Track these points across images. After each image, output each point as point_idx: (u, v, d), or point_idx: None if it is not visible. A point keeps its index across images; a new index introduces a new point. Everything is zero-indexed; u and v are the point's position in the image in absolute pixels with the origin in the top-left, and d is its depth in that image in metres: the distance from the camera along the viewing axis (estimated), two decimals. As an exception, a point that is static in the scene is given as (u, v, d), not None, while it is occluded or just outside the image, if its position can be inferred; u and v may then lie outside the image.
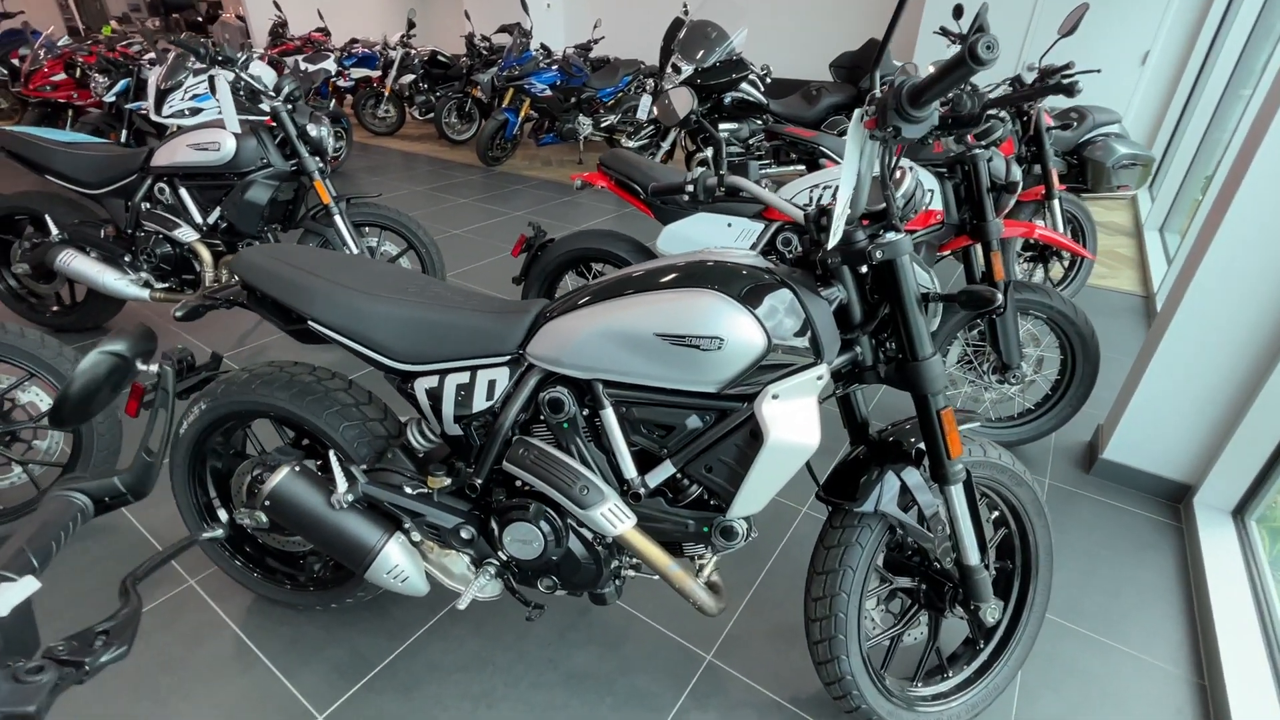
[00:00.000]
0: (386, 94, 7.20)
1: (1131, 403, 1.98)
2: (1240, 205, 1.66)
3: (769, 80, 4.78)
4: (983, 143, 1.87)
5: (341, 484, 1.21)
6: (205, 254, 2.56)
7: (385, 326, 1.18)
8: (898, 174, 1.06)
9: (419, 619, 1.57)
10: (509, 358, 1.17)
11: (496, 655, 1.50)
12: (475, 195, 5.24)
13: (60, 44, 5.56)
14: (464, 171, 6.01)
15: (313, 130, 2.52)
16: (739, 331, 1.00)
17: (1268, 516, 1.82)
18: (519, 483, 1.24)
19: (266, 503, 1.22)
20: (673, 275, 1.06)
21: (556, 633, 1.55)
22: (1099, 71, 2.60)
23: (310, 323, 1.21)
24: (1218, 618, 1.54)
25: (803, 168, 4.22)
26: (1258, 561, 1.69)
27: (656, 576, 1.26)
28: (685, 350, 1.02)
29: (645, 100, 5.13)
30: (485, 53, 6.94)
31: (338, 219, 2.55)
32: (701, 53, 4.39)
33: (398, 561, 1.26)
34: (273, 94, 2.42)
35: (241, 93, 2.45)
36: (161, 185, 2.53)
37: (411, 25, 7.14)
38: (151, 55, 5.08)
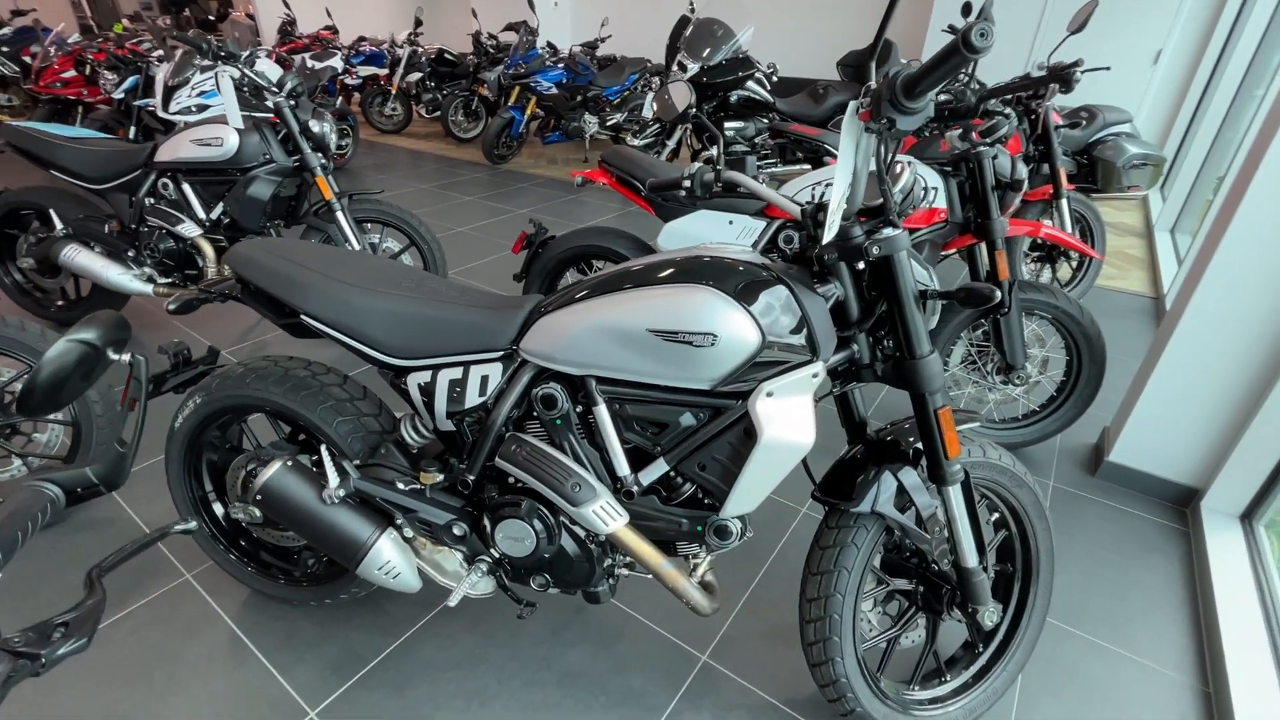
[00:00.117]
0: (393, 92, 7.22)
1: (1138, 405, 1.95)
2: (1250, 205, 1.63)
3: (775, 79, 4.75)
4: (988, 140, 1.85)
5: (333, 479, 1.21)
6: (208, 249, 2.56)
7: (378, 321, 1.17)
8: (896, 168, 1.05)
9: (413, 616, 1.57)
10: (502, 353, 1.16)
11: (490, 653, 1.49)
12: (480, 193, 5.25)
13: (70, 41, 5.60)
14: (469, 169, 6.01)
15: (315, 126, 2.52)
16: (732, 328, 0.98)
17: (1276, 521, 1.79)
18: (511, 479, 1.23)
19: (258, 497, 1.21)
20: (667, 270, 1.05)
21: (551, 631, 1.54)
22: (1108, 69, 2.56)
23: (303, 317, 1.21)
24: (1224, 624, 1.51)
25: (808, 166, 4.20)
26: (1265, 567, 1.66)
27: (651, 576, 1.25)
28: (678, 346, 1.00)
29: (651, 98, 5.12)
30: (492, 51, 6.94)
31: (339, 215, 2.55)
32: (707, 50, 4.38)
33: (389, 558, 1.25)
34: (275, 89, 2.43)
35: (246, 89, 2.45)
36: (165, 180, 2.54)
37: (419, 23, 7.15)
38: (160, 52, 5.11)
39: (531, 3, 6.26)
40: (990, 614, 1.22)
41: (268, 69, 2.92)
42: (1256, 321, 1.70)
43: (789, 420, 1.02)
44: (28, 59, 6.31)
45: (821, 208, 1.04)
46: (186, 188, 2.54)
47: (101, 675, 1.41)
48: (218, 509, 1.54)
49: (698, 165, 1.12)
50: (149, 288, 2.60)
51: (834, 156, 2.91)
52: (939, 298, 1.04)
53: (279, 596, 1.55)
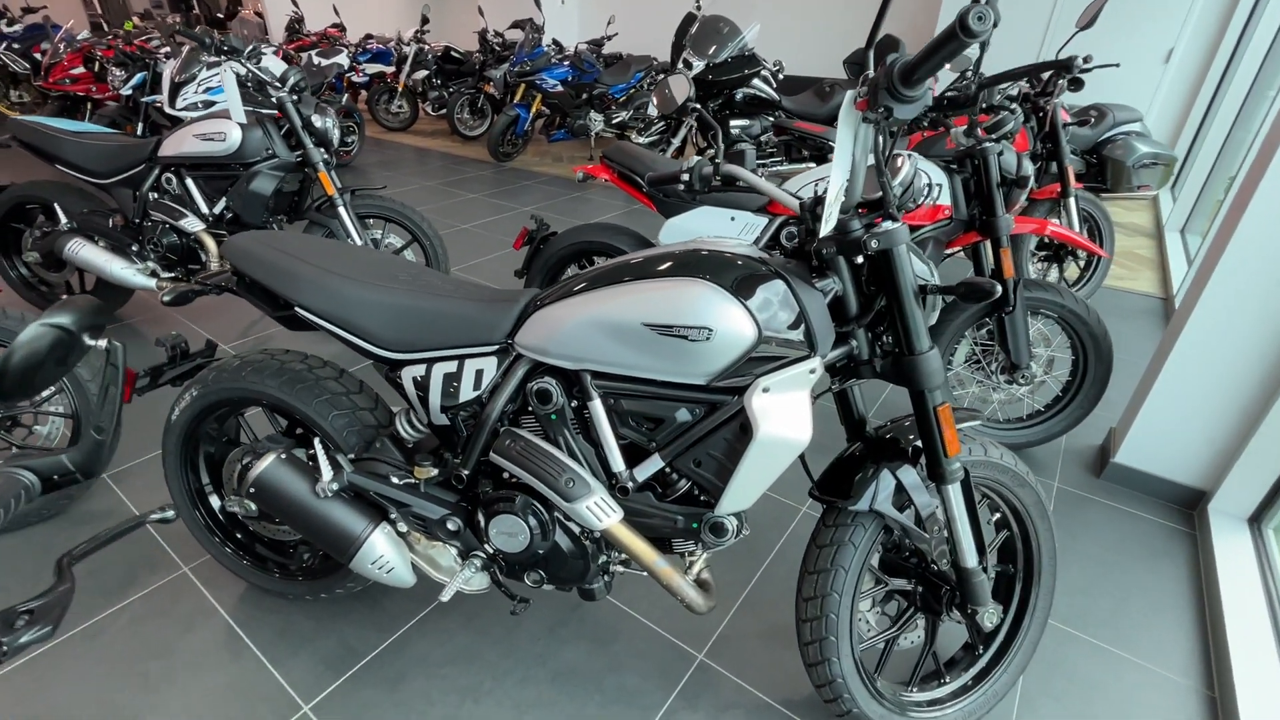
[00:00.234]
0: (400, 90, 7.23)
1: (1145, 405, 1.92)
2: (1259, 204, 1.60)
3: (781, 77, 4.73)
4: (993, 136, 1.82)
5: (326, 472, 1.20)
6: (211, 244, 2.57)
7: (372, 313, 1.17)
8: (896, 161, 1.03)
9: (409, 611, 1.56)
10: (497, 347, 1.15)
11: (485, 650, 1.48)
12: (485, 190, 5.25)
13: (80, 38, 5.64)
14: (475, 167, 6.01)
15: (318, 121, 2.52)
16: (728, 322, 0.97)
17: (1286, 525, 1.76)
18: (506, 474, 1.22)
19: (251, 490, 1.21)
20: (664, 264, 1.04)
21: (547, 628, 1.53)
22: (1118, 65, 2.53)
23: (296, 309, 1.20)
24: (1230, 628, 1.49)
25: (813, 165, 4.17)
26: (1273, 571, 1.63)
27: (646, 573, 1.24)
28: (673, 340, 0.99)
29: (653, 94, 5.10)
30: (498, 49, 6.94)
31: (342, 210, 2.55)
32: (713, 48, 4.36)
33: (383, 552, 1.24)
34: (278, 84, 2.43)
35: (249, 84, 2.45)
36: (169, 175, 2.54)
37: (425, 21, 7.16)
38: (167, 49, 5.13)
39: (538, 0, 6.25)
40: (990, 615, 1.20)
41: (273, 65, 2.93)
42: (1265, 321, 1.67)
43: (785, 416, 1.01)
44: (38, 56, 6.35)
45: (820, 201, 1.03)
46: (190, 182, 2.55)
47: (97, 667, 1.41)
48: (214, 502, 1.54)
49: (696, 158, 1.10)
50: (152, 282, 2.61)
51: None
52: (939, 292, 1.03)
53: (275, 590, 1.54)
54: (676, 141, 4.97)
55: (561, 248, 2.33)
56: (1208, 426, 1.85)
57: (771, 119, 4.42)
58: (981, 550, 1.16)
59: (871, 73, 0.83)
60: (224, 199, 2.57)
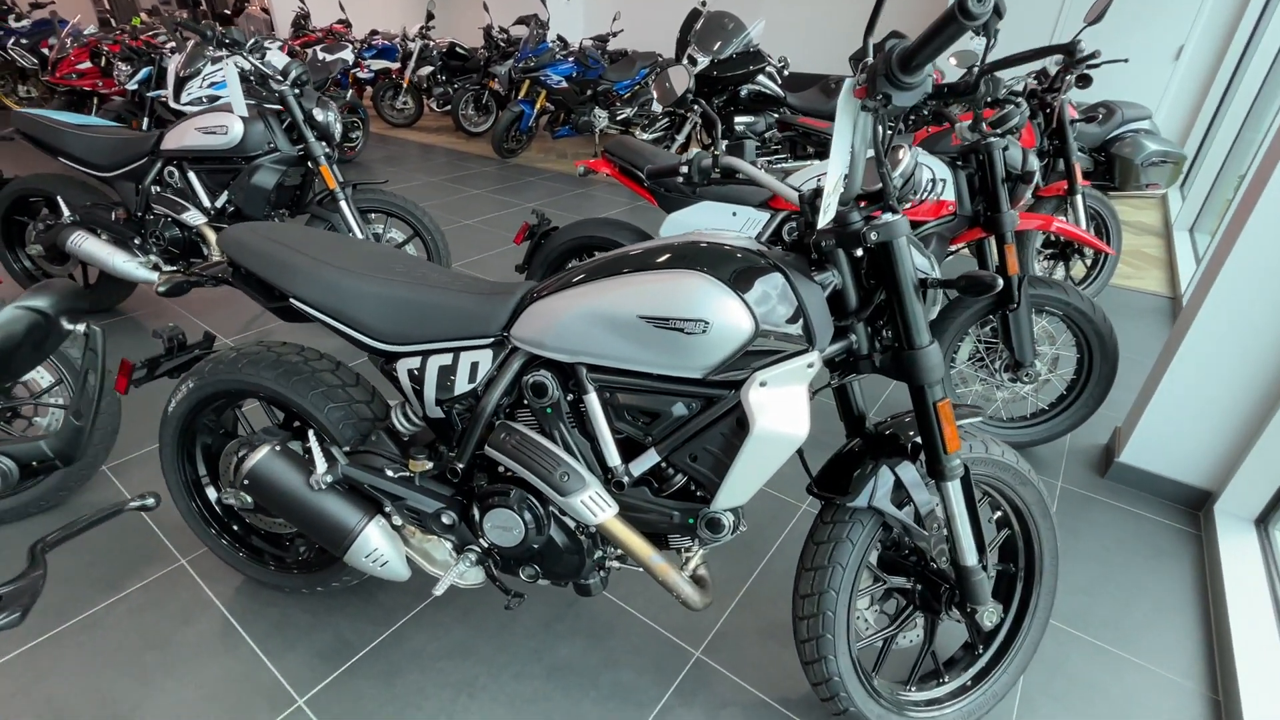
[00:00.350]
0: (405, 86, 7.23)
1: (1151, 404, 1.90)
2: (1268, 203, 1.58)
3: (786, 73, 4.70)
4: (998, 131, 1.80)
5: (321, 465, 1.19)
6: (212, 237, 2.57)
7: (367, 305, 1.16)
8: (897, 153, 1.01)
9: (405, 605, 1.56)
10: (493, 340, 1.14)
11: (481, 644, 1.47)
12: (489, 186, 5.24)
13: (86, 33, 5.66)
14: (479, 163, 6.01)
15: (319, 115, 2.52)
16: (725, 315, 0.95)
17: (1293, 526, 1.73)
18: (501, 468, 1.21)
19: (246, 481, 1.20)
20: (661, 257, 1.02)
21: (542, 624, 1.52)
22: (1126, 60, 2.50)
23: (291, 300, 1.19)
24: (1235, 630, 1.46)
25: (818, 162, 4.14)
26: (1280, 573, 1.61)
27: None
28: (669, 333, 0.98)
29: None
30: (503, 45, 6.93)
31: (343, 204, 2.55)
32: (718, 44, 4.33)
33: (377, 545, 1.23)
34: (280, 78, 2.42)
35: (253, 78, 2.45)
36: (171, 169, 2.54)
37: (430, 17, 7.15)
38: (173, 44, 5.14)
39: (543, -4, 6.24)
40: (990, 614, 1.19)
41: (278, 60, 2.92)
42: (1273, 320, 1.65)
43: (782, 411, 1.00)
44: (45, 51, 6.38)
45: (819, 193, 1.01)
46: (192, 176, 2.55)
47: (93, 659, 1.41)
48: (211, 494, 1.54)
49: (696, 151, 1.09)
50: (154, 275, 2.61)
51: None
52: (939, 286, 1.01)
53: (271, 583, 1.54)
54: (681, 137, 4.96)
55: (562, 242, 2.31)
56: (1214, 426, 1.83)
57: (776, 115, 4.39)
58: (981, 548, 1.14)
59: (870, 59, 0.82)
60: (226, 193, 2.57)
